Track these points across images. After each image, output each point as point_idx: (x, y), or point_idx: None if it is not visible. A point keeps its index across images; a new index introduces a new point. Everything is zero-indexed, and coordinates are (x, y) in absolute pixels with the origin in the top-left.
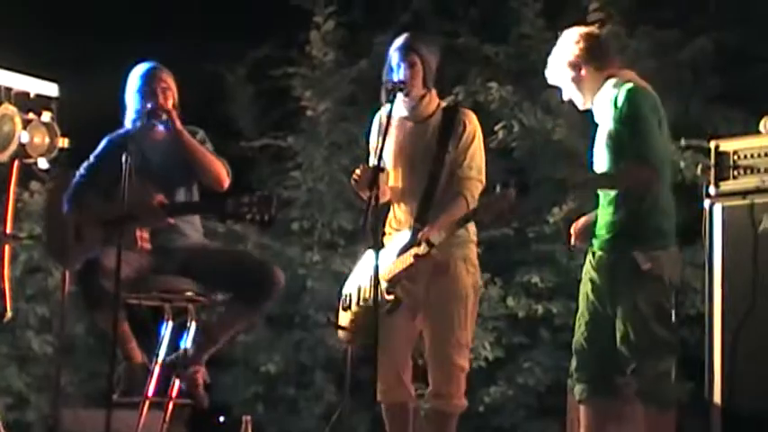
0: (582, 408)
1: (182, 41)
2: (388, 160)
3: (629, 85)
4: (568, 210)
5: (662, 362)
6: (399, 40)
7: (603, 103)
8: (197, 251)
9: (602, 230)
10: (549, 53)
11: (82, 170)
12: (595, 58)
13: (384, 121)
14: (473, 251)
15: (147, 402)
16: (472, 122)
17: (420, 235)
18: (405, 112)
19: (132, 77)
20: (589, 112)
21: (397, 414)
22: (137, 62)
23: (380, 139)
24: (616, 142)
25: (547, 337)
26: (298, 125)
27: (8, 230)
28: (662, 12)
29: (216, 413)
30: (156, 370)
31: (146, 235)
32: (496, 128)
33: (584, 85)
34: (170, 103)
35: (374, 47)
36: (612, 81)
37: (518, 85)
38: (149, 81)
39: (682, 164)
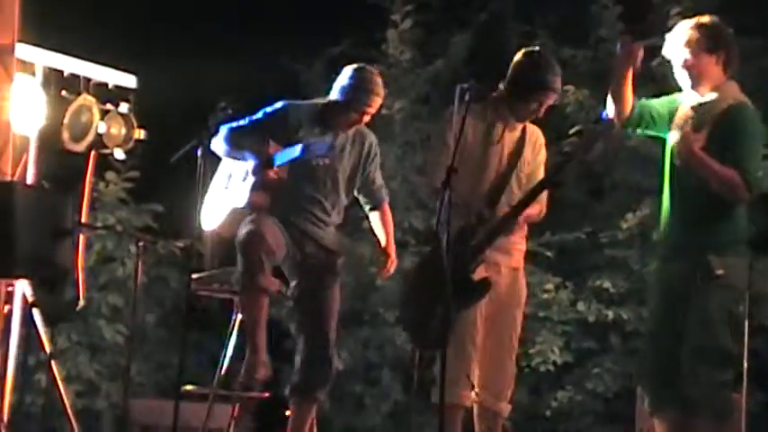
0: (655, 421)
1: (260, 35)
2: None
3: (742, 104)
4: (642, 215)
5: (723, 372)
6: (553, 67)
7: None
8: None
9: (675, 234)
10: None
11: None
12: (728, 63)
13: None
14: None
15: (215, 395)
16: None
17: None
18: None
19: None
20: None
21: (461, 416)
22: (211, 55)
23: (453, 138)
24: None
25: (617, 343)
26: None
27: (83, 219)
28: (745, 18)
29: (282, 407)
30: (225, 362)
31: None
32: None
33: (701, 75)
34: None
35: (450, 46)
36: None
37: (595, 89)
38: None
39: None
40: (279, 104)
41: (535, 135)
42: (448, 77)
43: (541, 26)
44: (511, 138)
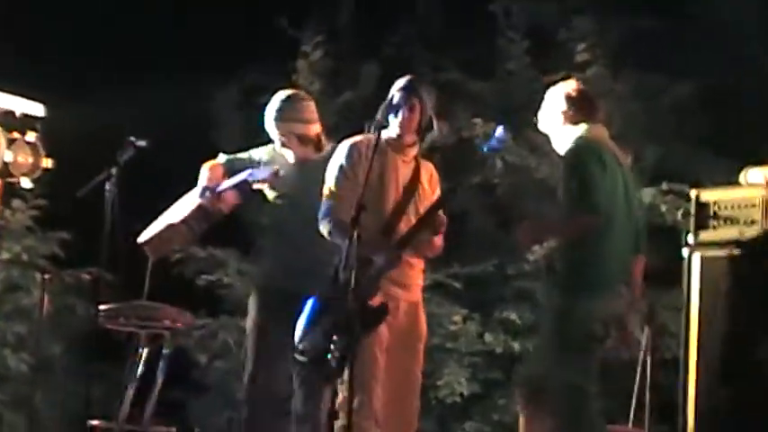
0: None
1: (171, 65)
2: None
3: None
4: (549, 248)
5: None
6: (402, 81)
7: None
8: None
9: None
10: (534, 91)
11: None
12: (576, 113)
13: (377, 159)
14: None
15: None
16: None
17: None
18: (392, 149)
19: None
20: None
21: None
22: (120, 85)
23: (363, 175)
24: (564, 194)
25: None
26: None
27: None
28: (647, 55)
29: None
30: (130, 396)
31: None
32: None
33: (561, 137)
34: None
35: (360, 78)
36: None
37: (501, 122)
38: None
39: (663, 207)
40: None
41: (429, 170)
42: (357, 108)
43: (450, 58)
44: (405, 170)
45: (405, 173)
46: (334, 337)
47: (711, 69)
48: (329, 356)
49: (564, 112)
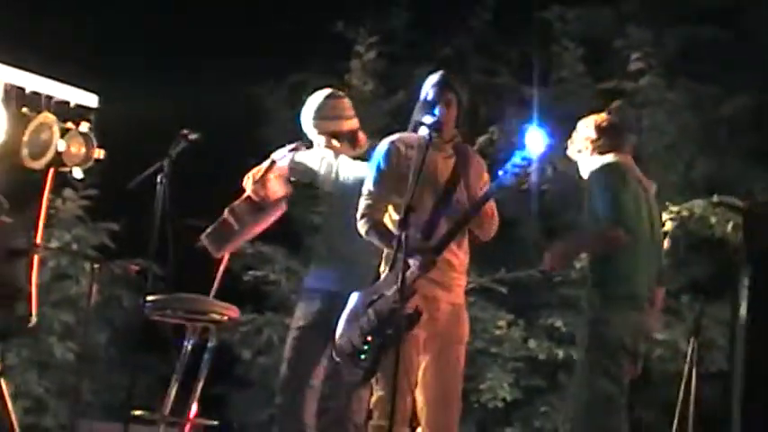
0: None
1: (224, 61)
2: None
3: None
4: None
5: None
6: (435, 77)
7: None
8: None
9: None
10: (587, 98)
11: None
12: (605, 143)
13: (419, 158)
14: None
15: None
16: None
17: None
18: (431, 146)
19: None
20: None
21: None
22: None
23: (413, 176)
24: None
25: (566, 382)
26: None
27: (38, 240)
28: (703, 66)
29: None
30: (175, 388)
31: None
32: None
33: (588, 165)
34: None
35: (413, 79)
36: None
37: (553, 130)
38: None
39: (713, 219)
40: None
41: (478, 164)
42: (410, 110)
43: (503, 63)
44: (444, 167)
45: (444, 170)
46: (369, 338)
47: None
48: (363, 356)
49: (593, 141)
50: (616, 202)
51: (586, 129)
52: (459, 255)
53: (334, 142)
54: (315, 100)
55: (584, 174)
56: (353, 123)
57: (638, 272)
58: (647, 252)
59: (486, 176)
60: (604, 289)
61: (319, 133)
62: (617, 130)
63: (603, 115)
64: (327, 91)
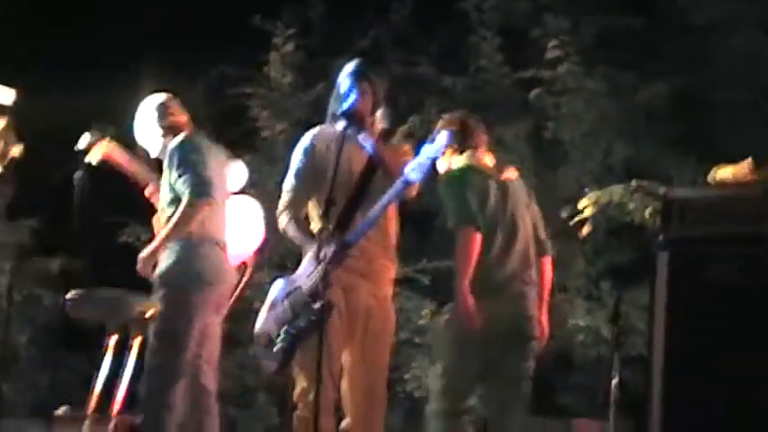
0: None
1: (141, 54)
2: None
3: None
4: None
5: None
6: (350, 67)
7: None
8: None
9: None
10: (505, 87)
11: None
12: (460, 144)
13: (335, 151)
14: None
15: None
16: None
17: None
18: (348, 138)
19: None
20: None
21: None
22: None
23: (332, 168)
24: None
25: None
26: (253, 145)
27: None
28: (620, 54)
29: None
30: (98, 385)
31: None
32: None
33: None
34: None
35: (332, 71)
36: None
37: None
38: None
39: (631, 205)
40: None
41: (398, 154)
42: (328, 101)
43: (422, 54)
44: (360, 157)
45: (360, 161)
46: (283, 330)
47: (684, 69)
48: (277, 347)
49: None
50: (460, 202)
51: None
52: (382, 244)
53: None
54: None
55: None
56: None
57: (503, 261)
58: (510, 240)
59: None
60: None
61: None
62: (467, 128)
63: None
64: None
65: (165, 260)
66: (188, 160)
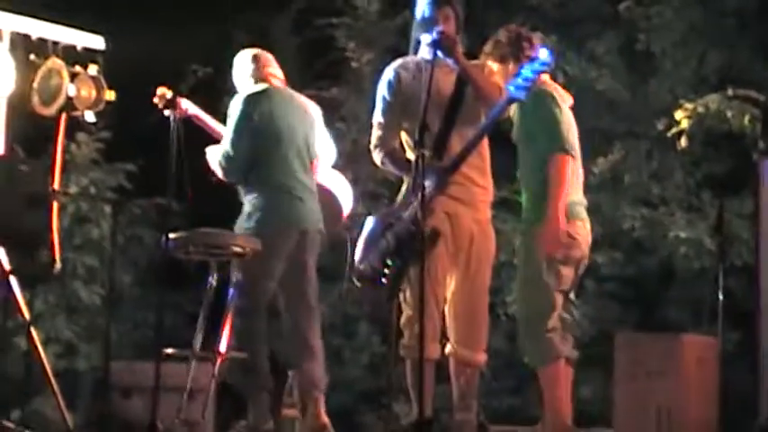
0: None
1: None
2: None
3: None
4: (614, 160)
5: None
6: None
7: None
8: None
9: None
10: (594, 2)
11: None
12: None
13: (426, 76)
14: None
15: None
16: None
17: None
18: (436, 62)
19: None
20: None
21: (431, 369)
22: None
23: (424, 96)
24: None
25: (592, 288)
26: (341, 76)
27: (56, 186)
28: None
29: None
30: (203, 324)
31: None
32: None
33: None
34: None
35: None
36: None
37: (562, 35)
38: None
39: (729, 113)
40: None
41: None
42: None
43: None
44: (448, 82)
45: (448, 85)
46: (389, 261)
47: None
48: (384, 279)
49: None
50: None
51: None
52: (479, 169)
53: None
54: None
55: None
56: None
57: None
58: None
59: (494, 80)
60: None
61: None
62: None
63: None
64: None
65: None
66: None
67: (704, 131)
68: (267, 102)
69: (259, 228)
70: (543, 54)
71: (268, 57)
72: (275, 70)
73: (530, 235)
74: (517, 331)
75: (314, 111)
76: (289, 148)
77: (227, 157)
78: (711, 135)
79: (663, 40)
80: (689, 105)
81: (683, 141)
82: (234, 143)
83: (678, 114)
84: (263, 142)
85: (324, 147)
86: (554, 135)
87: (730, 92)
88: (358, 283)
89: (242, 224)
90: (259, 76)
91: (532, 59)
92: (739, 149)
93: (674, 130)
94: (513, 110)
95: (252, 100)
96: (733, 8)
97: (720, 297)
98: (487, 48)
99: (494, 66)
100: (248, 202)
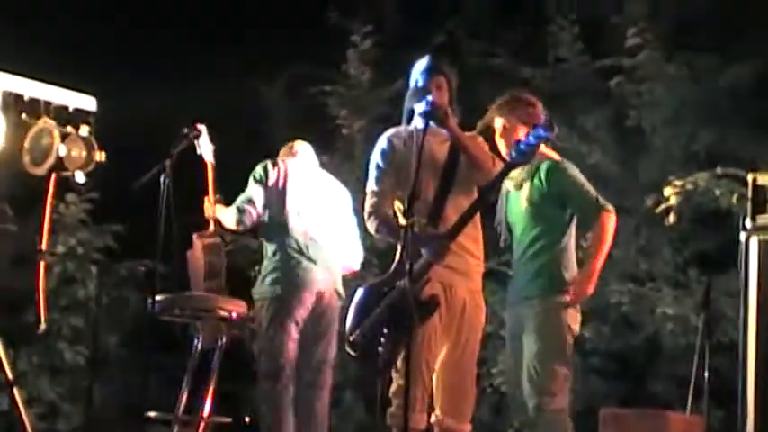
0: None
1: (220, 55)
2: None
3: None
4: None
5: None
6: (423, 62)
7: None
8: None
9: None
10: (585, 77)
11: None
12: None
13: (418, 145)
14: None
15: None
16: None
17: None
18: (428, 131)
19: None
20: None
21: None
22: (171, 78)
23: (415, 163)
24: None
25: (578, 362)
26: (333, 143)
27: (44, 246)
28: (700, 38)
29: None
30: (188, 387)
31: None
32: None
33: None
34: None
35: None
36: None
37: (553, 109)
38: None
39: (717, 191)
40: None
41: (470, 137)
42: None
43: (500, 45)
44: (442, 151)
45: (441, 153)
46: (385, 330)
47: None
48: (380, 350)
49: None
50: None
51: None
52: (474, 239)
53: None
54: None
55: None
56: None
57: None
58: None
59: (487, 149)
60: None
61: None
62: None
63: None
64: None
65: None
66: None
67: (692, 208)
68: None
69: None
70: (547, 122)
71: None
72: None
73: (551, 306)
74: (507, 404)
75: None
76: None
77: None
78: (700, 212)
79: (653, 117)
80: (678, 182)
81: (672, 218)
82: None
83: (667, 191)
84: None
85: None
86: (589, 197)
87: (719, 170)
88: (352, 353)
89: None
90: None
91: (536, 126)
92: (727, 227)
93: (663, 206)
94: (512, 187)
95: None
96: (726, 86)
97: (706, 375)
98: (495, 105)
99: (498, 121)
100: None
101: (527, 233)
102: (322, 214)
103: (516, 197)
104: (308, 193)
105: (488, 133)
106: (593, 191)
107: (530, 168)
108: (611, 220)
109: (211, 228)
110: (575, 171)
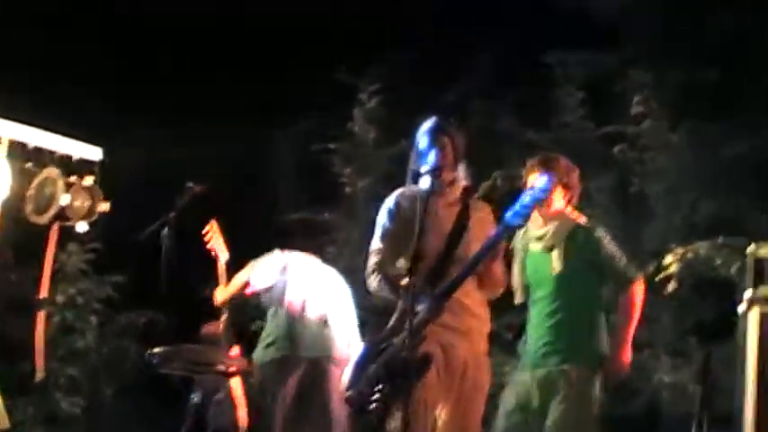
0: None
1: (226, 109)
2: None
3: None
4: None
5: None
6: (428, 124)
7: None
8: None
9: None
10: (589, 141)
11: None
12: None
13: (420, 207)
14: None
15: None
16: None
17: None
18: (434, 194)
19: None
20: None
21: None
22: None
23: (418, 224)
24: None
25: None
26: (335, 201)
27: (44, 295)
28: (704, 107)
29: None
30: None
31: None
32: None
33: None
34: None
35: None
36: None
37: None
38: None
39: (717, 261)
40: None
41: (482, 212)
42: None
43: (505, 108)
44: (448, 214)
45: (447, 217)
46: (379, 386)
47: None
48: (372, 406)
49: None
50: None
51: None
52: (474, 297)
53: None
54: None
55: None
56: None
57: None
58: None
59: (493, 223)
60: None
61: None
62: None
63: None
64: None
65: None
66: None
67: (692, 277)
68: None
69: None
70: (541, 182)
71: None
72: None
73: (586, 375)
74: None
75: None
76: None
77: None
78: (700, 281)
79: (656, 185)
80: (679, 250)
81: (671, 285)
82: None
83: (668, 258)
84: None
85: None
86: (623, 267)
87: (720, 240)
88: (348, 408)
89: None
90: None
91: (531, 187)
92: (726, 297)
93: (663, 274)
94: (537, 248)
95: None
96: (729, 156)
97: None
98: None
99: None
100: None
101: (559, 297)
102: (322, 305)
103: (544, 259)
104: (309, 285)
105: (493, 194)
106: (624, 259)
107: (560, 231)
108: (641, 290)
109: (223, 317)
110: (608, 237)
